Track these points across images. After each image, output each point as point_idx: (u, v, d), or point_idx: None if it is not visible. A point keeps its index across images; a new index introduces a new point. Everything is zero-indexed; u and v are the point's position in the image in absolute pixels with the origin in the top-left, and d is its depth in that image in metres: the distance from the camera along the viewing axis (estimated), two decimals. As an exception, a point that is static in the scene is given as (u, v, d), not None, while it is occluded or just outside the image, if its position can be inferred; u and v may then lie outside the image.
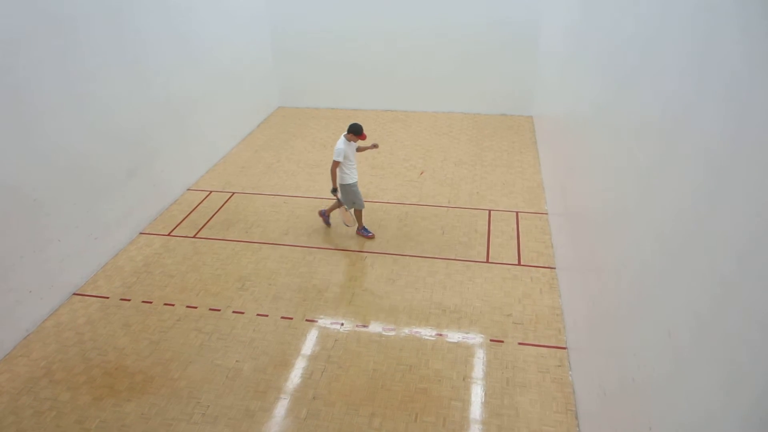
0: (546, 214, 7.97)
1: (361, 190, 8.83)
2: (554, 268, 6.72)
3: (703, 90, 2.54)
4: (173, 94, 8.53)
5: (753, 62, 2.10)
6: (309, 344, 5.75)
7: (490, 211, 8.13)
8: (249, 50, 11.28)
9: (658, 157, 3.14)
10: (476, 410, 4.92)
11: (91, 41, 6.71)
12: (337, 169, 7.02)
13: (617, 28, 4.46)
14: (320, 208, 8.02)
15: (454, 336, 5.78)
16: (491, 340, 5.70)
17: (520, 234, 7.51)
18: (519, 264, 6.87)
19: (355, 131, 6.88)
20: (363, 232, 7.54)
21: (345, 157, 6.93)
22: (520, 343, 5.64)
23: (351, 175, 7.11)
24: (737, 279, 2.09)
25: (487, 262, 6.95)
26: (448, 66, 11.70)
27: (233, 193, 8.94)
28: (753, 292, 1.96)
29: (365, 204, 7.69)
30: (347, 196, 7.24)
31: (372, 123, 11.71)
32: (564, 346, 5.57)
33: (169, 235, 7.80)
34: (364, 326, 5.96)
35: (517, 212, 8.05)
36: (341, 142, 6.91)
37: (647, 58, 3.53)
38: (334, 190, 7.12)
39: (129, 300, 6.48)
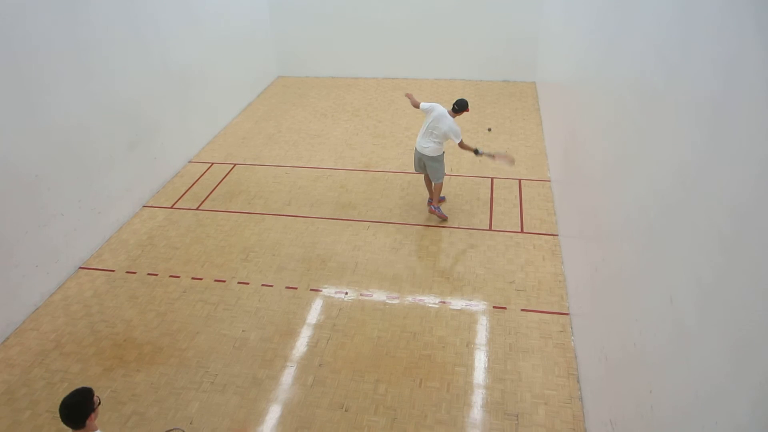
0: (549, 181, 7.94)
1: (363, 159, 8.82)
2: (557, 235, 6.73)
3: (695, 44, 2.50)
4: (172, 65, 8.42)
5: (739, 14, 2.07)
6: (314, 313, 5.82)
7: (492, 178, 8.10)
8: (247, 18, 11.08)
9: (657, 118, 3.11)
10: (479, 375, 5.00)
11: (97, 10, 6.70)
12: (434, 143, 6.76)
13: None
14: (431, 205, 7.26)
15: (457, 303, 5.84)
16: (494, 307, 5.75)
17: (523, 201, 7.50)
18: (522, 231, 6.88)
19: (462, 106, 6.78)
20: (438, 210, 7.16)
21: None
22: (522, 310, 5.69)
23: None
24: (738, 241, 2.09)
25: (490, 230, 6.96)
26: (450, 32, 11.49)
27: (234, 164, 8.91)
28: (754, 254, 1.96)
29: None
30: (442, 168, 6.99)
31: (373, 91, 11.59)
32: (566, 312, 5.62)
33: (172, 207, 7.82)
34: (368, 295, 6.02)
35: (519, 180, 8.03)
36: (452, 120, 6.70)
37: (644, 14, 3.45)
38: (477, 151, 6.89)
39: (135, 273, 6.54)
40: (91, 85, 6.72)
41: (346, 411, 4.75)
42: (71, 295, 6.24)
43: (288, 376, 5.12)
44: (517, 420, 4.58)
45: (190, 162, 9.05)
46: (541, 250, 6.51)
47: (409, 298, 5.94)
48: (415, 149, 6.96)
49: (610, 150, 4.30)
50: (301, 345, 5.44)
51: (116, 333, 5.69)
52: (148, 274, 6.50)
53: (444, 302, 5.86)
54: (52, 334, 5.72)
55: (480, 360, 5.16)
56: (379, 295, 6.00)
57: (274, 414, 4.77)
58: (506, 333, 5.43)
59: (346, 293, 6.06)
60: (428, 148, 6.78)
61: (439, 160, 6.86)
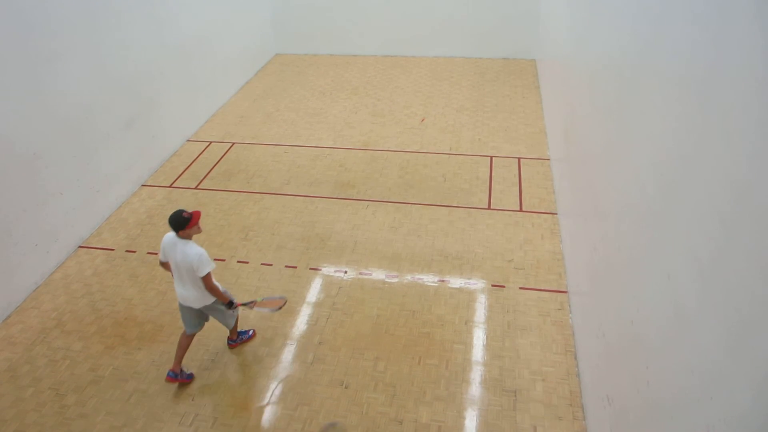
0: (548, 159, 7.91)
1: (362, 138, 8.77)
2: (556, 214, 6.74)
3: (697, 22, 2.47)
4: (170, 42, 8.32)
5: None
6: (313, 292, 5.85)
7: (491, 157, 8.07)
8: (243, -5, 10.93)
9: (655, 94, 3.08)
10: (478, 353, 5.05)
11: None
12: (195, 288, 4.59)
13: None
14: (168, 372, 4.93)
15: (456, 282, 5.86)
16: (493, 285, 5.78)
17: (522, 180, 7.49)
18: (521, 210, 6.88)
19: (176, 222, 4.39)
20: (242, 338, 5.32)
21: None
22: (521, 288, 5.72)
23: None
24: (736, 218, 2.09)
25: (489, 208, 6.96)
26: (449, 8, 11.34)
27: (233, 143, 8.87)
28: (752, 232, 1.96)
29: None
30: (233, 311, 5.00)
31: (372, 69, 11.48)
32: (564, 290, 5.65)
33: (170, 186, 7.80)
34: (368, 273, 6.04)
35: (519, 158, 8.00)
36: (186, 245, 4.43)
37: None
38: (231, 305, 4.81)
39: (134, 252, 6.55)
40: (92, 60, 6.67)
41: (346, 388, 4.80)
42: (71, 273, 6.26)
43: (288, 353, 5.17)
44: (515, 396, 4.64)
45: (188, 141, 9.00)
46: (540, 229, 6.53)
47: (408, 277, 5.96)
48: (179, 304, 4.83)
49: (609, 128, 4.27)
50: (300, 323, 5.48)
51: (117, 311, 5.72)
52: (148, 253, 6.51)
53: (443, 281, 5.89)
54: (53, 312, 5.75)
55: (478, 337, 5.20)
56: (378, 274, 6.02)
57: (274, 391, 4.82)
58: (505, 311, 5.47)
59: (346, 272, 6.08)
60: (191, 296, 4.64)
61: (217, 302, 4.79)
